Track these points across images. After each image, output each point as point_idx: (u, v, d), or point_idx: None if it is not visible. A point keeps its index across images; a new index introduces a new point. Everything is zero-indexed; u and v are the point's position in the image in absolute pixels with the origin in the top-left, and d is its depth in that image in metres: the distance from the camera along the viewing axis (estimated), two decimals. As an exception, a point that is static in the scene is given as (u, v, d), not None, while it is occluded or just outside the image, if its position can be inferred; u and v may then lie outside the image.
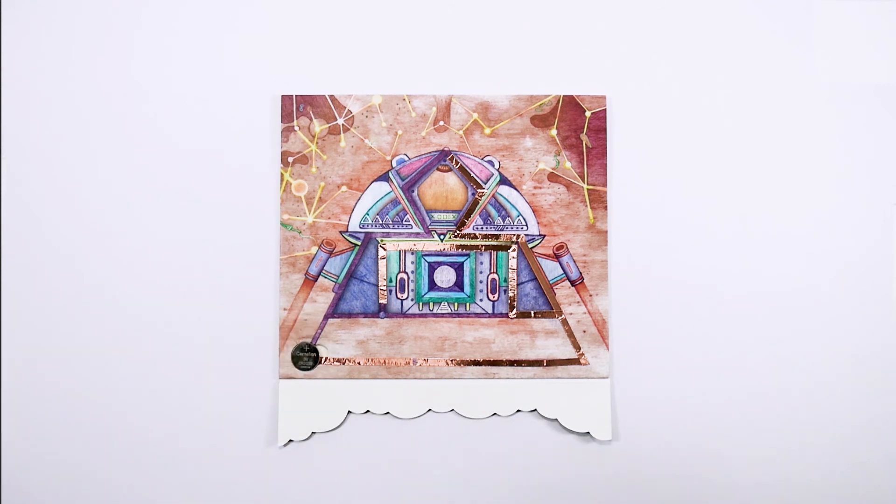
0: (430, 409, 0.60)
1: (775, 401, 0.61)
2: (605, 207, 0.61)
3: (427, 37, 0.62)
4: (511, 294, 0.61)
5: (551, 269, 0.61)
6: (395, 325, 0.60)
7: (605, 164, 0.61)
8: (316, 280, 0.60)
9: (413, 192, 0.61)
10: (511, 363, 0.60)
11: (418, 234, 0.61)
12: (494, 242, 0.61)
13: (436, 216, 0.61)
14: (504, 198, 0.61)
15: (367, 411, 0.60)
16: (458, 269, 0.61)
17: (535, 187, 0.61)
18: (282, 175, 0.60)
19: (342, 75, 0.61)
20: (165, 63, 0.61)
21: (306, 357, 0.60)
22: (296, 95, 0.61)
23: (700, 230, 0.62)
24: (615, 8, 0.62)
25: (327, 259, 0.60)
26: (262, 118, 0.61)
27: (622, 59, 0.62)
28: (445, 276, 0.61)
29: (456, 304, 0.61)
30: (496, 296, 0.61)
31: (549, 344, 0.60)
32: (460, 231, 0.61)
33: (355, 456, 0.60)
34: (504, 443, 0.61)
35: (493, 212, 0.61)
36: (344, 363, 0.60)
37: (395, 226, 0.61)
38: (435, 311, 0.61)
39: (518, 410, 0.60)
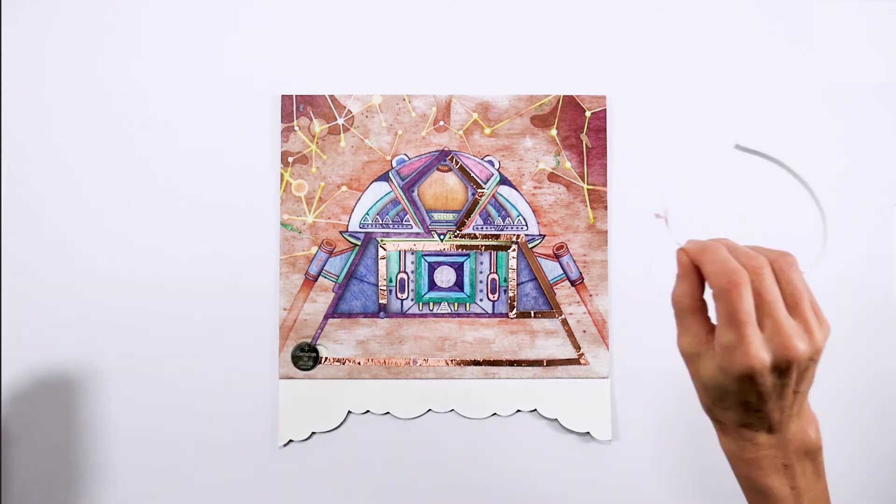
0: (430, 409, 0.60)
1: (775, 401, 0.61)
2: (605, 207, 0.61)
3: (427, 37, 0.62)
4: (511, 294, 0.61)
5: (551, 269, 0.61)
6: (395, 325, 0.60)
7: (605, 164, 0.61)
8: (316, 280, 0.60)
9: (413, 192, 0.61)
10: (511, 363, 0.60)
11: (418, 234, 0.61)
12: (494, 242, 0.61)
13: (436, 216, 0.61)
14: (504, 198, 0.61)
15: (367, 411, 0.60)
16: (458, 269, 0.61)
17: (535, 187, 0.61)
18: (282, 175, 0.60)
19: (342, 75, 0.61)
20: (165, 63, 0.61)
21: (306, 357, 0.60)
22: (296, 95, 0.61)
23: (700, 230, 0.61)
24: (615, 8, 0.62)
25: (327, 259, 0.60)
26: (262, 118, 0.61)
27: (622, 59, 0.62)
28: (445, 276, 0.61)
29: (456, 304, 0.61)
30: (496, 296, 0.61)
31: (549, 344, 0.60)
32: (460, 231, 0.61)
33: (355, 456, 0.60)
34: (504, 443, 0.61)
35: (493, 212, 0.61)
36: (344, 363, 0.60)
37: (395, 226, 0.61)
38: (435, 311, 0.61)
39: (518, 410, 0.60)
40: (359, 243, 0.61)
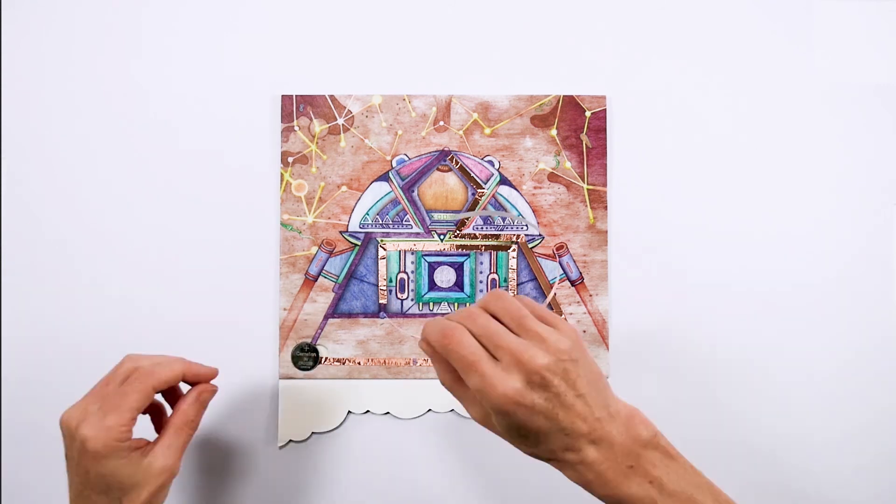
0: (430, 409, 0.60)
1: (775, 400, 0.61)
2: (605, 207, 0.61)
3: (427, 37, 0.62)
4: (549, 294, 0.61)
5: (551, 269, 0.61)
6: (396, 325, 0.60)
7: (605, 164, 0.61)
8: (316, 280, 0.60)
9: (413, 192, 0.61)
10: (511, 363, 0.60)
11: (418, 234, 0.61)
12: (494, 242, 0.61)
13: (436, 216, 0.61)
14: (504, 198, 0.61)
15: (367, 411, 0.60)
16: (458, 269, 0.61)
17: (535, 187, 0.61)
18: (282, 175, 0.60)
19: (342, 75, 0.61)
20: (165, 63, 0.61)
21: (306, 357, 0.60)
22: (296, 95, 0.61)
23: (700, 230, 0.62)
24: (615, 8, 0.62)
25: (327, 259, 0.60)
26: (262, 118, 0.61)
27: (622, 59, 0.62)
28: (445, 277, 0.61)
29: (456, 305, 0.61)
30: (496, 296, 0.61)
31: (549, 344, 0.60)
32: (460, 231, 0.61)
33: (355, 456, 0.60)
34: (504, 443, 0.61)
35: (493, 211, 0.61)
36: (344, 363, 0.60)
37: (395, 226, 0.61)
38: (435, 312, 0.61)
39: (518, 410, 0.60)
40: (359, 243, 0.61)
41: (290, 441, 0.60)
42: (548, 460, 0.41)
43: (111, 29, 0.61)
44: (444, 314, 0.60)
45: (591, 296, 0.61)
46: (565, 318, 0.60)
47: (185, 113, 0.61)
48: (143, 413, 0.47)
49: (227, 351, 0.60)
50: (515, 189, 0.61)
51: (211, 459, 0.60)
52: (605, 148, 0.61)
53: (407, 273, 0.61)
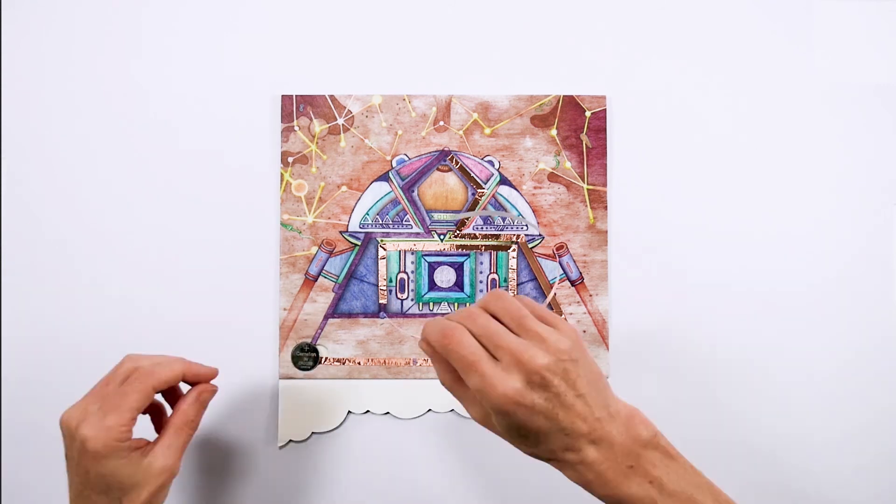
0: (430, 409, 0.60)
1: (776, 400, 0.61)
2: (605, 207, 0.61)
3: (427, 37, 0.62)
4: (549, 294, 0.61)
5: (551, 269, 0.61)
6: (396, 325, 0.60)
7: (605, 164, 0.61)
8: (316, 280, 0.60)
9: (413, 192, 0.61)
10: (511, 363, 0.60)
11: (418, 234, 0.61)
12: (494, 242, 0.61)
13: (436, 216, 0.61)
14: (504, 198, 0.61)
15: (367, 411, 0.60)
16: (458, 269, 0.61)
17: (535, 187, 0.61)
18: (282, 175, 0.60)
19: (342, 75, 0.61)
20: (165, 63, 0.61)
21: (306, 357, 0.60)
22: (296, 95, 0.61)
23: (700, 230, 0.62)
24: (615, 8, 0.62)
25: (327, 259, 0.60)
26: (262, 118, 0.61)
27: (622, 59, 0.62)
28: (445, 277, 0.61)
29: (456, 305, 0.61)
30: (496, 296, 0.61)
31: (549, 344, 0.60)
32: (460, 231, 0.61)
33: (355, 456, 0.60)
34: (504, 443, 0.61)
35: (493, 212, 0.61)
36: (344, 363, 0.60)
37: (395, 226, 0.61)
38: (435, 312, 0.61)
39: (518, 410, 0.60)
40: (359, 243, 0.61)
41: (290, 441, 0.60)
42: (548, 460, 0.41)
43: (111, 29, 0.61)
44: (444, 314, 0.60)
45: (591, 296, 0.61)
46: (565, 318, 0.60)
47: (185, 113, 0.61)
48: (143, 413, 0.47)
49: (227, 351, 0.60)
50: (515, 189, 0.61)
51: (211, 459, 0.60)
52: (605, 148, 0.61)
53: (407, 273, 0.61)
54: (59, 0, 0.61)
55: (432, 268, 0.61)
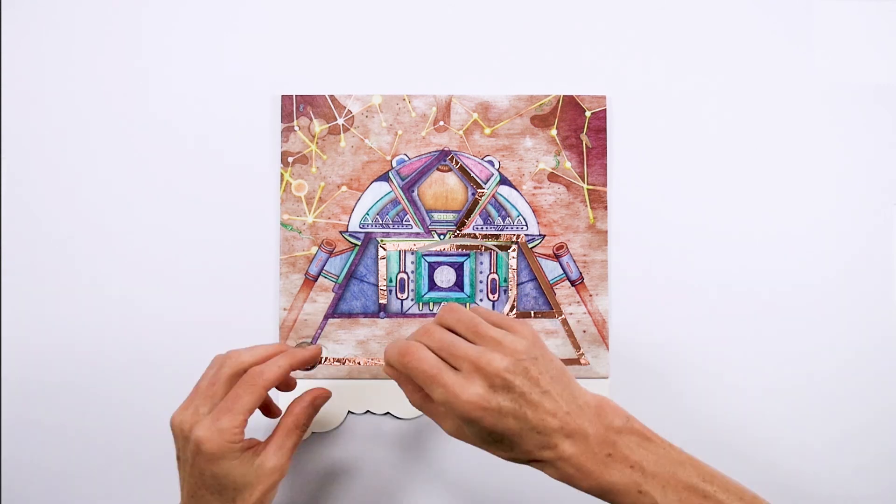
0: (430, 409, 0.60)
1: (776, 401, 0.61)
2: (605, 207, 0.61)
3: (427, 37, 0.62)
4: (511, 294, 0.61)
5: (551, 269, 0.61)
6: (396, 325, 0.60)
7: (605, 164, 0.61)
8: (316, 280, 0.60)
9: (413, 192, 0.61)
10: (511, 363, 0.60)
11: (418, 234, 0.61)
12: (494, 242, 0.61)
13: (436, 216, 0.61)
14: (504, 198, 0.61)
15: (367, 411, 0.60)
16: (458, 269, 0.61)
17: (535, 187, 0.61)
18: (282, 175, 0.60)
19: (342, 75, 0.61)
20: (165, 63, 0.61)
21: (306, 357, 0.60)
22: (296, 95, 0.61)
23: (700, 230, 0.62)
24: (615, 8, 0.62)
25: (327, 259, 0.60)
26: (262, 118, 0.61)
27: (622, 59, 0.62)
28: (445, 277, 0.61)
29: (456, 304, 0.61)
30: (496, 296, 0.61)
31: (549, 344, 0.60)
32: (460, 231, 0.61)
33: (355, 456, 0.60)
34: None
35: (493, 212, 0.61)
36: (344, 363, 0.60)
37: (395, 226, 0.61)
38: (435, 312, 0.61)
39: (518, 410, 0.60)
40: (359, 243, 0.61)
41: (290, 441, 0.60)
42: (528, 462, 0.42)
43: (111, 29, 0.61)
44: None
45: (591, 296, 0.61)
46: (565, 319, 0.61)
47: (185, 113, 0.61)
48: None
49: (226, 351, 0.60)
50: (515, 189, 0.61)
51: (211, 459, 0.60)
52: (605, 148, 0.61)
53: (407, 273, 0.61)
54: (59, 0, 0.61)
55: (432, 268, 0.61)
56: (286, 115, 0.61)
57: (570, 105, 0.61)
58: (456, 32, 0.62)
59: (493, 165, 0.61)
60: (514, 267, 0.61)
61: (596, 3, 0.62)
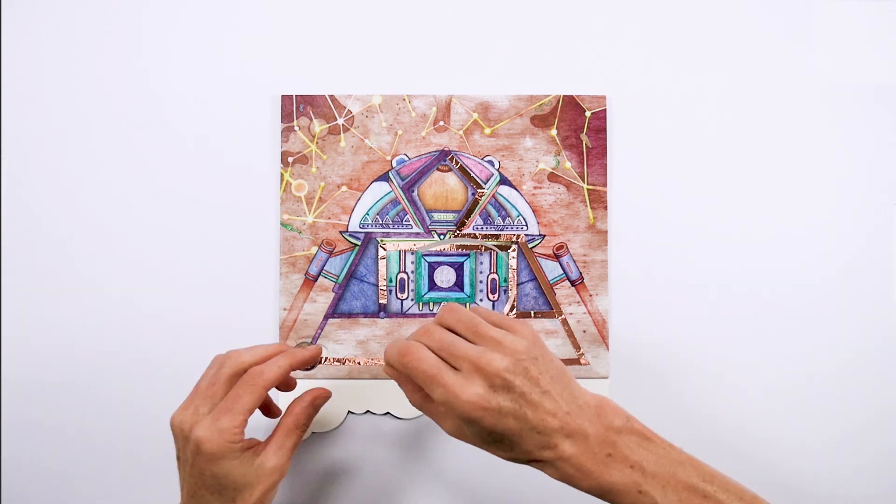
0: (430, 409, 0.60)
1: (776, 401, 0.61)
2: (605, 207, 0.61)
3: (427, 37, 0.62)
4: (511, 294, 0.61)
5: (551, 269, 0.61)
6: (396, 325, 0.60)
7: (605, 164, 0.61)
8: (316, 280, 0.60)
9: (413, 192, 0.61)
10: (511, 363, 0.60)
11: (418, 234, 0.61)
12: (494, 242, 0.61)
13: (436, 216, 0.61)
14: (504, 198, 0.61)
15: (367, 411, 0.60)
16: (458, 269, 0.61)
17: (535, 187, 0.61)
18: (282, 175, 0.60)
19: (342, 75, 0.61)
20: (165, 63, 0.61)
21: (306, 357, 0.60)
22: (296, 95, 0.61)
23: (700, 230, 0.62)
24: (615, 8, 0.62)
25: (327, 259, 0.60)
26: (262, 118, 0.61)
27: (622, 59, 0.62)
28: (445, 277, 0.61)
29: (456, 304, 0.61)
30: (496, 296, 0.61)
31: (549, 344, 0.60)
32: (460, 231, 0.61)
33: (355, 456, 0.60)
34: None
35: (493, 212, 0.61)
36: (344, 363, 0.60)
37: (395, 226, 0.61)
38: (435, 312, 0.61)
39: (518, 410, 0.60)
40: (359, 243, 0.61)
41: (290, 441, 0.60)
42: (528, 462, 0.42)
43: (111, 29, 0.61)
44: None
45: (591, 296, 0.61)
46: (565, 319, 0.61)
47: (185, 113, 0.61)
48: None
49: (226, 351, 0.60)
50: (515, 189, 0.61)
51: (211, 459, 0.60)
52: (605, 148, 0.61)
53: (407, 273, 0.61)
54: (59, 0, 0.61)
55: (432, 268, 0.61)
56: (286, 115, 0.61)
57: (570, 105, 0.61)
58: (456, 32, 0.62)
59: (493, 165, 0.61)
60: (514, 267, 0.61)
61: (596, 3, 0.62)
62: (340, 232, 0.61)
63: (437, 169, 0.61)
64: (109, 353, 0.60)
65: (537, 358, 0.41)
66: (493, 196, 0.61)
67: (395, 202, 0.61)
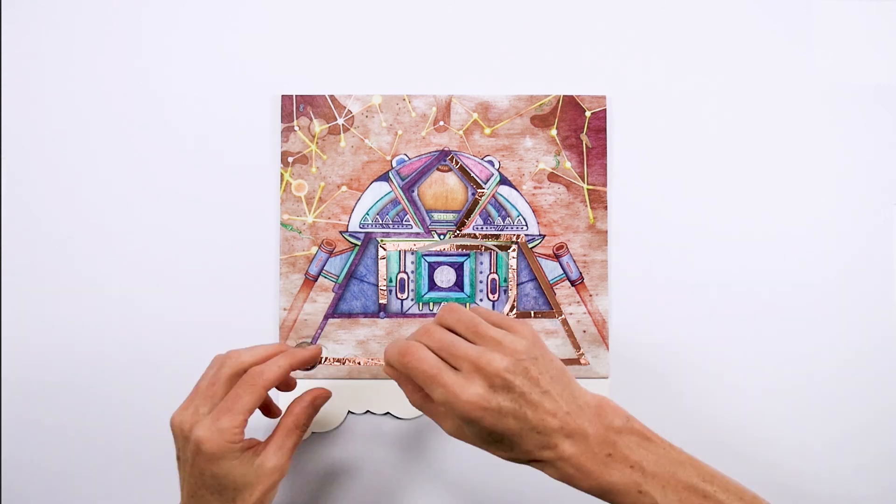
0: (430, 409, 0.60)
1: (776, 401, 0.61)
2: (605, 207, 0.61)
3: (427, 37, 0.62)
4: (511, 294, 0.61)
5: (551, 269, 0.61)
6: (396, 325, 0.60)
7: (605, 164, 0.61)
8: (316, 280, 0.60)
9: (413, 192, 0.61)
10: (511, 363, 0.60)
11: (418, 234, 0.61)
12: (494, 242, 0.61)
13: (436, 216, 0.61)
14: (504, 198, 0.61)
15: (367, 411, 0.60)
16: (458, 269, 0.61)
17: (535, 187, 0.61)
18: (282, 175, 0.60)
19: (342, 75, 0.61)
20: (165, 63, 0.61)
21: (306, 357, 0.60)
22: (296, 95, 0.61)
23: (700, 230, 0.62)
24: (615, 8, 0.62)
25: (327, 259, 0.60)
26: (262, 118, 0.61)
27: (622, 59, 0.62)
28: (445, 277, 0.61)
29: (456, 304, 0.61)
30: (496, 296, 0.61)
31: (549, 344, 0.60)
32: (460, 231, 0.61)
33: (355, 456, 0.60)
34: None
35: (493, 212, 0.61)
36: (344, 363, 0.60)
37: (395, 226, 0.61)
38: (435, 312, 0.61)
39: (518, 410, 0.60)
40: (359, 243, 0.61)
41: (290, 441, 0.60)
42: (528, 462, 0.42)
43: (111, 29, 0.61)
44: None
45: (591, 296, 0.61)
46: (565, 319, 0.61)
47: (185, 113, 0.61)
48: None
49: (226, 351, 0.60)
50: (515, 189, 0.61)
51: (211, 459, 0.60)
52: (605, 148, 0.61)
53: (407, 273, 0.61)
54: (59, 0, 0.61)
55: (432, 268, 0.61)
56: (286, 115, 0.61)
57: (570, 105, 0.61)
58: (456, 32, 0.62)
59: (493, 165, 0.61)
60: (514, 267, 0.61)
61: (596, 3, 0.62)
62: (340, 232, 0.61)
63: (437, 169, 0.61)
64: (109, 353, 0.60)
65: (537, 358, 0.41)
66: (493, 196, 0.61)
67: (395, 202, 0.61)
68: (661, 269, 0.61)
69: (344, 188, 0.61)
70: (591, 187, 0.61)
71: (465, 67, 0.62)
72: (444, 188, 0.61)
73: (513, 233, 0.61)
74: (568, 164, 0.61)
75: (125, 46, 0.61)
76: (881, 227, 0.62)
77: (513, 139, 0.61)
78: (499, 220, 0.61)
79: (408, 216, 0.61)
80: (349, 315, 0.60)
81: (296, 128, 0.61)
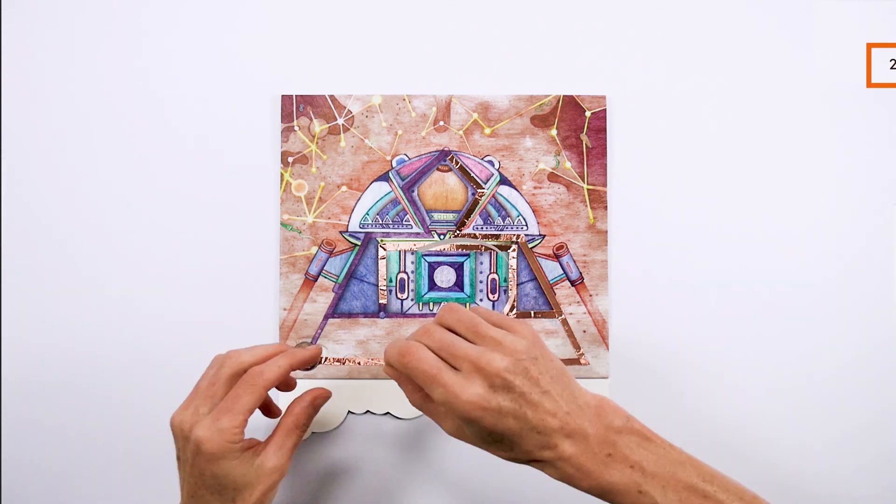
0: (430, 409, 0.60)
1: (776, 401, 0.61)
2: (605, 207, 0.61)
3: (427, 37, 0.62)
4: (511, 294, 0.61)
5: (551, 269, 0.61)
6: (396, 325, 0.60)
7: (605, 164, 0.61)
8: (316, 280, 0.60)
9: (413, 192, 0.61)
10: (511, 363, 0.60)
11: (418, 234, 0.61)
12: (494, 242, 0.61)
13: (436, 216, 0.61)
14: (504, 198, 0.61)
15: (367, 411, 0.60)
16: (458, 269, 0.61)
17: (535, 187, 0.61)
18: (282, 175, 0.60)
19: (342, 75, 0.61)
20: (165, 63, 0.61)
21: (306, 357, 0.60)
22: (296, 95, 0.61)
23: (700, 230, 0.62)
24: (615, 8, 0.62)
25: (327, 259, 0.60)
26: (262, 118, 0.61)
27: (622, 59, 0.62)
28: (445, 277, 0.61)
29: (456, 304, 0.61)
30: (496, 296, 0.61)
31: (549, 344, 0.60)
32: (460, 231, 0.61)
33: (355, 456, 0.60)
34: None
35: (493, 212, 0.61)
36: (344, 363, 0.60)
37: (395, 226, 0.61)
38: (435, 312, 0.61)
39: (518, 410, 0.60)
40: (359, 243, 0.61)
41: (290, 441, 0.60)
42: (527, 462, 0.42)
43: (111, 29, 0.61)
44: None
45: (591, 296, 0.61)
46: (565, 319, 0.61)
47: (185, 113, 0.61)
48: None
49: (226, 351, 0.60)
50: (515, 189, 0.61)
51: (211, 459, 0.60)
52: (605, 148, 0.61)
53: (407, 273, 0.61)
54: (59, 0, 0.61)
55: (432, 268, 0.61)
56: (286, 115, 0.61)
57: (570, 105, 0.61)
58: (456, 32, 0.62)
59: (493, 165, 0.61)
60: (514, 267, 0.61)
61: (596, 3, 0.62)
62: (340, 232, 0.61)
63: (437, 169, 0.61)
64: (109, 353, 0.60)
65: (537, 358, 0.41)
66: (493, 196, 0.61)
67: (395, 202, 0.61)
68: (661, 269, 0.61)
69: (344, 188, 0.61)
70: (591, 187, 0.61)
71: (465, 67, 0.62)
72: (444, 188, 0.61)
73: (513, 233, 0.61)
74: (568, 164, 0.61)
75: (125, 46, 0.61)
76: (881, 227, 0.62)
77: (513, 139, 0.61)
78: (499, 220, 0.61)
79: (408, 216, 0.61)
80: (349, 315, 0.60)
81: (296, 128, 0.61)
